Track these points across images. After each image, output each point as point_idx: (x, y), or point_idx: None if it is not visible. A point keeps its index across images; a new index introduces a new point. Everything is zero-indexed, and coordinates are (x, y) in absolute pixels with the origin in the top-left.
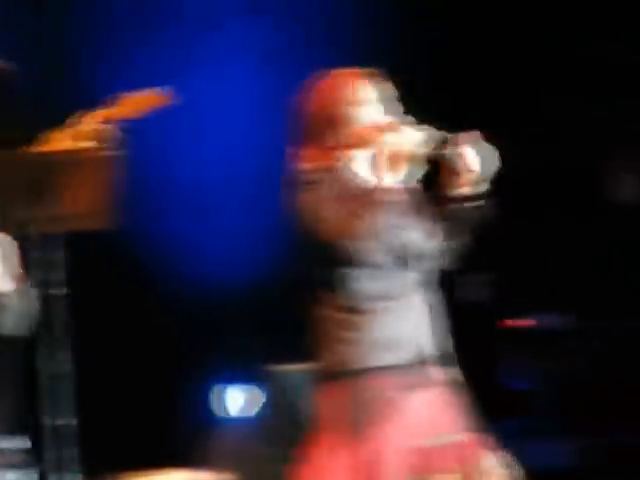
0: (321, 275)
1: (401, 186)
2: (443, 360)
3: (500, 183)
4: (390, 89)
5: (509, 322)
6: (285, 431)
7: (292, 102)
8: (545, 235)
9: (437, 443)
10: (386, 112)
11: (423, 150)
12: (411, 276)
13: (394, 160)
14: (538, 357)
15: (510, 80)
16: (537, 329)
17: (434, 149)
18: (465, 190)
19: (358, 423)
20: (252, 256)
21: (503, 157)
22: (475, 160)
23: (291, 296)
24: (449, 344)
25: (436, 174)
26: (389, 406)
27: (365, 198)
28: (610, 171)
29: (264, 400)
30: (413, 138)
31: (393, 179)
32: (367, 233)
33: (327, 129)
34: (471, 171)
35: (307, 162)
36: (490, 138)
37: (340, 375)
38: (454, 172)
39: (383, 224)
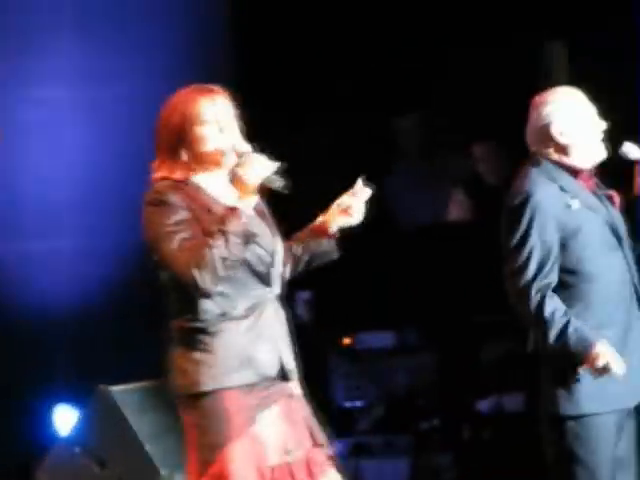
0: (171, 296)
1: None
2: (295, 375)
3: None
4: (232, 107)
5: (337, 340)
6: (116, 451)
7: (155, 119)
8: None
9: (290, 459)
10: (232, 132)
11: (264, 178)
12: (264, 289)
13: (239, 184)
14: (365, 375)
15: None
16: (360, 347)
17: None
18: None
19: (211, 443)
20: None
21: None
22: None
23: (123, 314)
24: (296, 359)
25: None
26: (242, 425)
27: (217, 216)
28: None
29: (94, 420)
30: (260, 166)
31: (239, 200)
32: (213, 254)
33: (177, 146)
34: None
35: (157, 178)
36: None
37: (193, 396)
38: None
39: (236, 241)
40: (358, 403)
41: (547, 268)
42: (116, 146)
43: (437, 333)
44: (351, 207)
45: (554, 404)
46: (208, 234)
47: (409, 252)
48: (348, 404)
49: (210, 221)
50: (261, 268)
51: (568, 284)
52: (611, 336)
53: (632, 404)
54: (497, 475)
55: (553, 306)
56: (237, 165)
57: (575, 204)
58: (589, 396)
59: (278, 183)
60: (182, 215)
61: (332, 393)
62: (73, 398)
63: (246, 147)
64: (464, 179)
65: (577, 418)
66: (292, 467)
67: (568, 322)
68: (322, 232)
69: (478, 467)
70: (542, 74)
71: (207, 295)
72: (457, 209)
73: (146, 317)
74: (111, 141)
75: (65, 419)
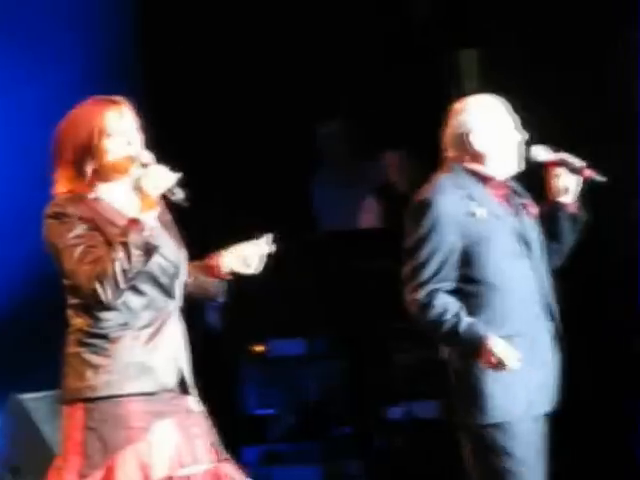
0: (72, 301)
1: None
2: (192, 387)
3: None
4: (136, 118)
5: (248, 348)
6: (29, 459)
7: (54, 131)
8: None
9: (186, 472)
10: (133, 143)
11: (165, 189)
12: (167, 301)
13: (141, 195)
14: (276, 383)
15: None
16: (271, 355)
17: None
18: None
19: (101, 450)
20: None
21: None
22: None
23: (32, 322)
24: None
25: None
26: (136, 433)
27: (120, 228)
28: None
29: (6, 428)
30: (161, 178)
31: (140, 212)
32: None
33: (82, 159)
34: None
35: (58, 190)
36: None
37: (89, 400)
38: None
39: (136, 252)
40: (269, 411)
41: (443, 273)
42: (22, 151)
43: (348, 340)
44: (250, 258)
45: (468, 412)
46: (111, 246)
47: (320, 258)
48: (259, 412)
49: (113, 233)
50: (164, 280)
51: (473, 293)
52: (518, 346)
53: (542, 410)
54: None
55: (443, 306)
56: (139, 176)
57: (480, 212)
58: (500, 403)
59: (179, 195)
60: (82, 228)
61: (243, 400)
62: None
63: (149, 158)
64: (377, 187)
65: (493, 426)
66: None
67: (458, 321)
68: (214, 273)
69: (389, 475)
70: (452, 82)
71: (108, 308)
72: (369, 216)
73: (56, 324)
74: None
75: None
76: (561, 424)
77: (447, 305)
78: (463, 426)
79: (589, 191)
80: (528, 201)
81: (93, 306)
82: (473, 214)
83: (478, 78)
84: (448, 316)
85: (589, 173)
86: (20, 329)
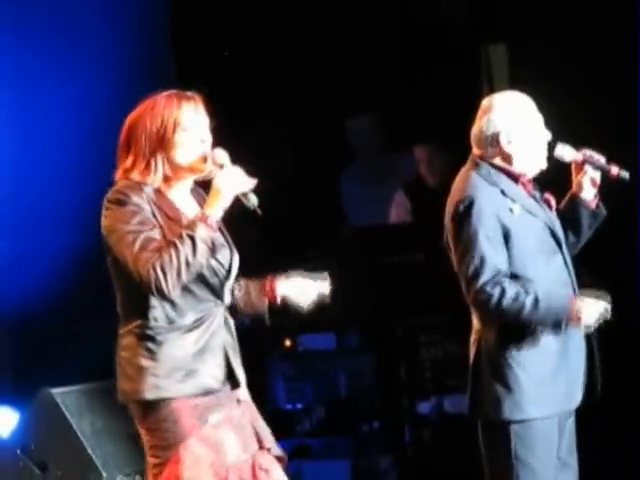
0: (121, 302)
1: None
2: (243, 382)
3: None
4: (208, 115)
5: (278, 342)
6: (58, 453)
7: (124, 121)
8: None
9: (242, 460)
10: (206, 141)
11: (239, 192)
12: (215, 302)
13: (214, 193)
14: (306, 377)
15: None
16: (301, 349)
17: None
18: None
19: (162, 445)
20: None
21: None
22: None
23: (64, 316)
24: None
25: None
26: (192, 426)
27: (182, 222)
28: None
29: (35, 422)
30: (239, 181)
31: (207, 209)
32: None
33: (155, 151)
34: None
35: (121, 178)
36: None
37: (140, 402)
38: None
39: (203, 248)
40: (299, 405)
41: (501, 264)
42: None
43: (378, 335)
44: (309, 292)
45: (496, 408)
46: (168, 239)
47: (350, 253)
48: (289, 406)
49: (170, 227)
50: (215, 281)
51: None
52: (552, 340)
53: (572, 407)
54: (438, 477)
55: (514, 290)
56: (215, 175)
57: (516, 208)
58: (532, 400)
59: (252, 200)
60: (145, 215)
61: (273, 395)
62: (14, 400)
63: (224, 158)
64: (408, 181)
65: (521, 422)
66: (241, 470)
67: (536, 297)
68: (267, 293)
69: (419, 469)
70: (484, 77)
71: (165, 298)
72: (399, 211)
73: (87, 319)
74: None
75: (6, 421)
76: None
77: (516, 288)
78: (492, 421)
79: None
80: (548, 195)
81: (142, 303)
82: (511, 210)
83: (508, 74)
84: (524, 297)
85: (616, 170)
86: (50, 324)
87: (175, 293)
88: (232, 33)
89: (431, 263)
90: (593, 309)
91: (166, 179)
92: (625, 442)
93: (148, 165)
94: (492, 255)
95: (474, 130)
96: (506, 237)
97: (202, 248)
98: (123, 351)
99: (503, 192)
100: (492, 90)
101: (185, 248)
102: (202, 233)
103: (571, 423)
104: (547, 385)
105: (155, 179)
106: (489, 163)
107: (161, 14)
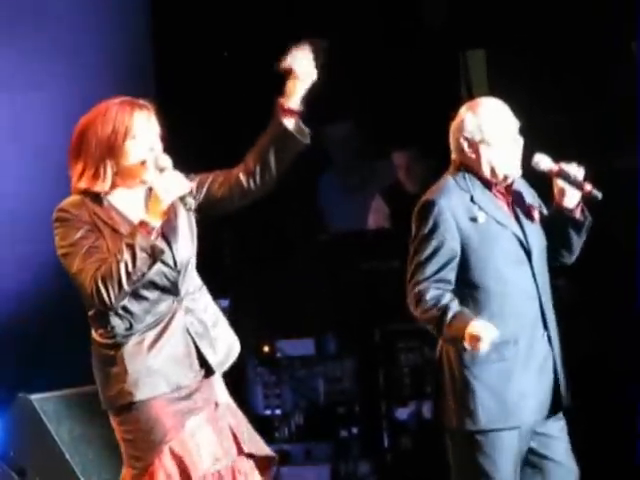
0: (88, 312)
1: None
2: (221, 370)
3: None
4: (157, 121)
5: (256, 348)
6: (36, 460)
7: (76, 124)
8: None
9: (219, 467)
10: (155, 150)
11: (175, 197)
12: (172, 299)
13: (153, 198)
14: (284, 383)
15: None
16: (279, 355)
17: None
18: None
19: (139, 453)
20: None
21: None
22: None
23: (42, 322)
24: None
25: None
26: (169, 431)
27: (121, 234)
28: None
29: (14, 428)
30: (175, 184)
31: (148, 215)
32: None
33: (105, 157)
34: None
35: (78, 189)
36: None
37: (117, 409)
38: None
39: (142, 255)
40: (277, 411)
41: (442, 274)
42: (37, 151)
43: (356, 341)
44: (297, 70)
45: (456, 418)
46: (112, 252)
47: (329, 259)
48: (268, 412)
49: (112, 238)
50: (165, 282)
51: (471, 297)
52: (514, 352)
53: (532, 420)
54: None
55: (434, 299)
56: (153, 179)
57: (482, 216)
58: (489, 412)
59: (189, 205)
60: (85, 230)
61: (252, 401)
62: None
63: (166, 162)
64: (386, 187)
65: (479, 433)
66: (221, 475)
67: (446, 311)
68: (282, 111)
69: (398, 475)
70: (462, 83)
71: (112, 310)
72: (377, 217)
73: (65, 325)
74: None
75: None
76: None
77: (438, 298)
78: (451, 429)
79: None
80: (534, 205)
81: (101, 312)
82: (474, 219)
83: (487, 79)
84: (436, 310)
85: (588, 189)
86: (29, 329)
87: (118, 304)
88: (211, 35)
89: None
90: (481, 331)
91: (114, 186)
92: (611, 444)
93: (97, 171)
94: (434, 262)
95: (450, 135)
96: (468, 246)
97: (142, 256)
98: (94, 362)
99: (472, 199)
100: (471, 95)
101: (124, 258)
102: (140, 241)
103: (558, 428)
104: (503, 396)
105: (103, 185)
106: (465, 168)
107: (142, 16)
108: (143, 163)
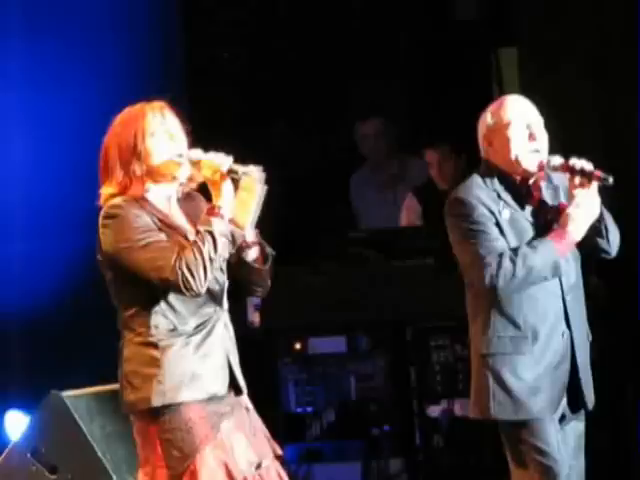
0: (122, 311)
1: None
2: (244, 388)
3: None
4: (179, 121)
5: (288, 346)
6: (68, 457)
7: (102, 136)
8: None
9: (254, 471)
10: (177, 141)
11: (225, 171)
12: (216, 309)
13: (212, 184)
14: (316, 381)
15: None
16: (311, 353)
17: (228, 172)
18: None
19: (178, 455)
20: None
21: None
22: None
23: (74, 319)
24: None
25: None
26: (206, 434)
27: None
28: None
29: (45, 425)
30: (217, 161)
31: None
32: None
33: (130, 160)
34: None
35: (106, 192)
36: None
37: (150, 411)
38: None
39: (223, 241)
40: (309, 409)
41: (500, 246)
42: (67, 150)
43: (388, 338)
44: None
45: (494, 409)
46: (177, 240)
47: (360, 256)
48: (299, 410)
49: (167, 231)
50: (216, 287)
51: (493, 292)
52: (530, 348)
53: (544, 415)
54: None
55: (510, 259)
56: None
57: (506, 213)
58: (522, 403)
59: (241, 171)
60: (146, 222)
61: (283, 399)
62: (24, 403)
63: (197, 154)
64: (420, 185)
65: (519, 424)
66: (254, 477)
67: (527, 251)
68: (242, 246)
69: (429, 473)
70: (494, 81)
71: (197, 295)
72: (409, 214)
73: (97, 323)
74: (60, 146)
75: (16, 424)
76: None
77: (510, 255)
78: (495, 423)
79: None
80: (564, 202)
81: (144, 311)
82: (500, 213)
83: (519, 77)
84: (520, 259)
85: (598, 174)
86: (61, 326)
87: (204, 290)
88: (242, 33)
89: (441, 266)
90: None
91: (148, 186)
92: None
93: (126, 176)
94: (488, 241)
95: (478, 133)
96: (498, 228)
97: (222, 242)
98: (125, 362)
99: (498, 196)
100: (502, 93)
101: (207, 244)
102: (218, 226)
103: (576, 426)
104: (539, 387)
105: (137, 189)
106: (491, 165)
107: (170, 16)
108: (174, 159)
